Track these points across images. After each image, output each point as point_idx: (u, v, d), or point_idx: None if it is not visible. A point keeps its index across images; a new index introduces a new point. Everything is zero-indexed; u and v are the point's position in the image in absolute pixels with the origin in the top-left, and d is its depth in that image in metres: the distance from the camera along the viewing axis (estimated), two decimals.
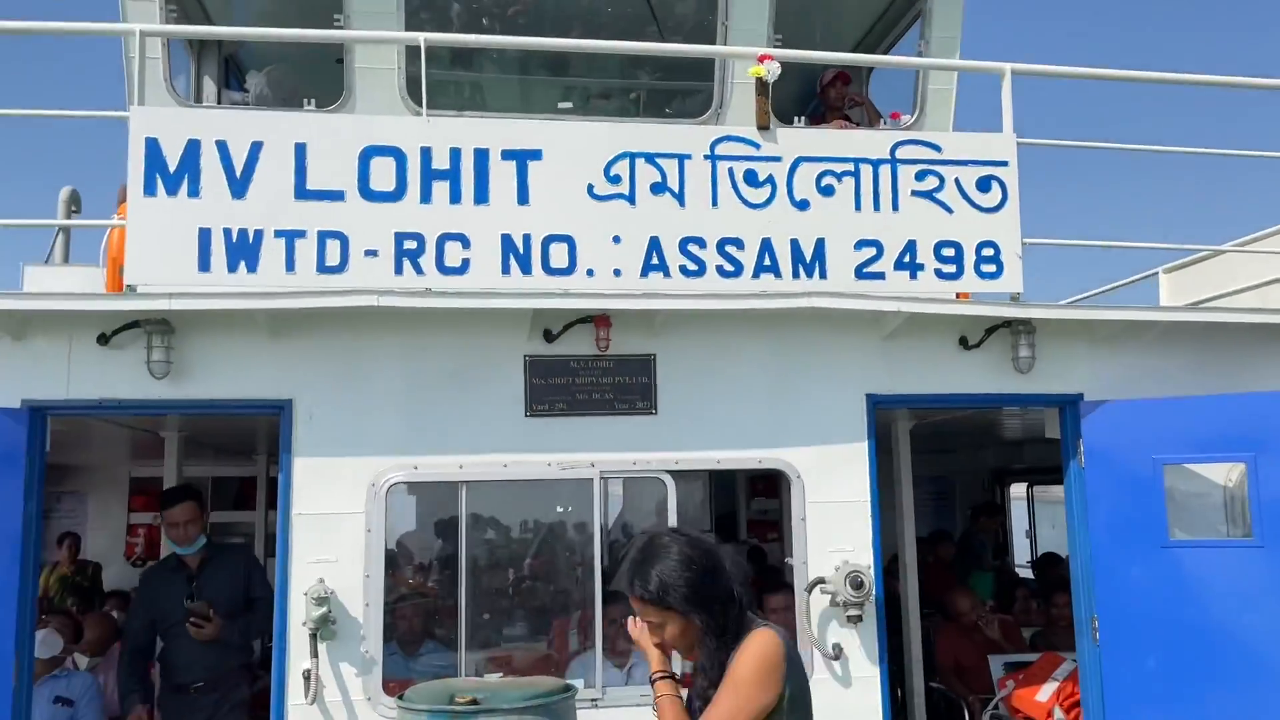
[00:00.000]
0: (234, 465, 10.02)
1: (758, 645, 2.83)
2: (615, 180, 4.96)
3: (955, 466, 12.25)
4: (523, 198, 4.89)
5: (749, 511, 10.50)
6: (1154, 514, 5.12)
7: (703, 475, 9.51)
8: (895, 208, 5.12)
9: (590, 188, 4.95)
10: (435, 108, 6.19)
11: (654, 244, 4.97)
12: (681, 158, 5.02)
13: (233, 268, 4.64)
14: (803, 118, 7.00)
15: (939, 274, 5.13)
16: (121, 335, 4.69)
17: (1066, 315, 5.27)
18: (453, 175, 4.84)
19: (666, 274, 4.96)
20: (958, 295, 5.59)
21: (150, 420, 6.53)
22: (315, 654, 4.62)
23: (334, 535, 4.80)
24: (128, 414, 5.40)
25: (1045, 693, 5.99)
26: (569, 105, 6.73)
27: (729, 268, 5.01)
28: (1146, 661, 5.08)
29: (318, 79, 6.72)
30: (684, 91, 7.10)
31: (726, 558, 2.97)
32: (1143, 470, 5.16)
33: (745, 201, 5.04)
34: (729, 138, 5.09)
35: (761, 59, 5.18)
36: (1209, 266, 8.44)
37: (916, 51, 6.94)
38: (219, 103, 7.53)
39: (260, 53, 7.83)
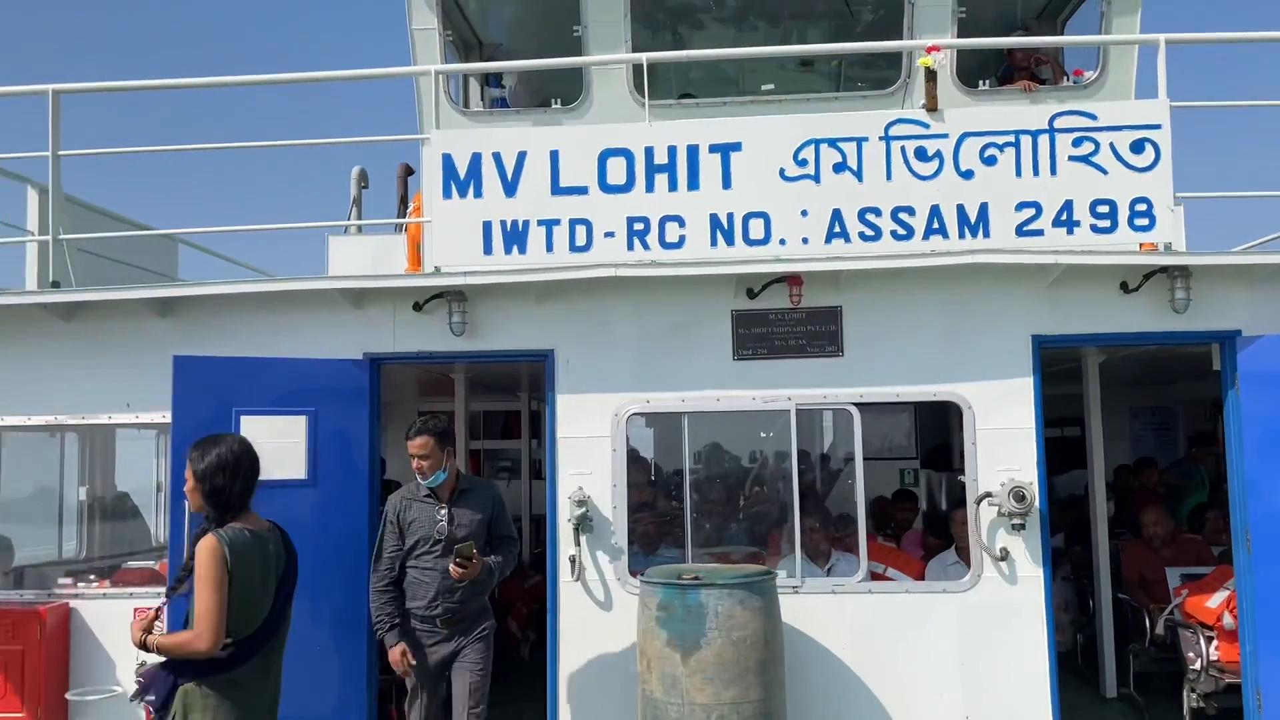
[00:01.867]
0: (501, 401, 11.83)
1: (200, 548, 3.70)
2: (803, 164, 5.98)
3: (1177, 396, 12.35)
4: (726, 183, 6.01)
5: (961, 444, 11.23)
6: None
7: (909, 409, 10.41)
8: (1054, 172, 5.83)
9: (781, 171, 6.00)
10: (661, 90, 7.39)
11: (836, 215, 5.96)
12: (860, 140, 5.96)
13: (508, 250, 6.08)
14: (990, 79, 7.67)
15: (1094, 229, 5.80)
16: (431, 304, 6.26)
17: (1217, 260, 5.81)
18: (670, 169, 6.03)
19: (847, 240, 5.95)
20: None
21: (443, 366, 8.22)
22: (578, 543, 6.08)
23: (588, 454, 6.20)
24: (437, 363, 7.03)
25: (1216, 600, 6.60)
26: (771, 86, 7.70)
27: (902, 232, 5.93)
28: None
29: (561, 75, 8.06)
30: (877, 64, 7.89)
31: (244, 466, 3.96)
32: None
33: (916, 174, 5.92)
34: (901, 120, 5.96)
35: (930, 50, 5.98)
36: None
37: (1099, 13, 7.37)
38: (482, 99, 9.07)
39: (514, 51, 9.33)
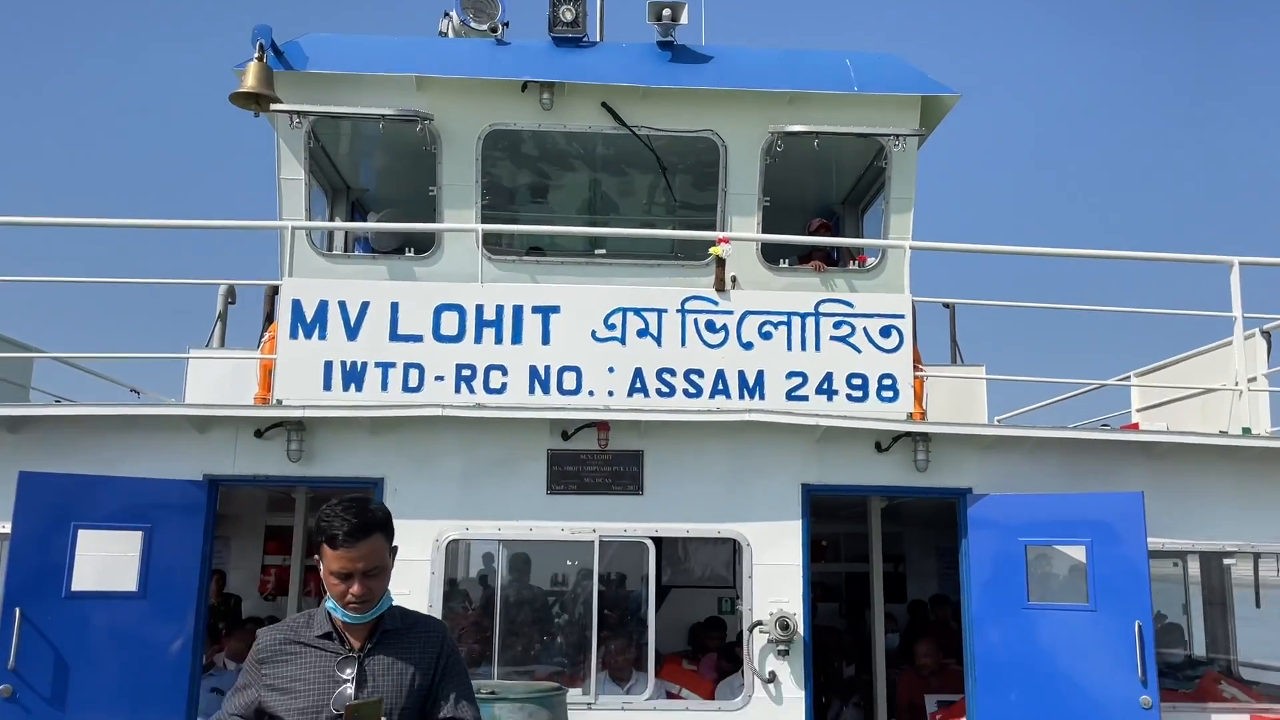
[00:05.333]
0: None
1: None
2: (611, 327, 6.94)
3: None
4: (546, 340, 6.92)
5: None
6: (1017, 582, 6.70)
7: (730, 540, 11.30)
8: (818, 348, 6.95)
9: (593, 332, 6.95)
10: (510, 246, 8.29)
11: (638, 373, 6.92)
12: (660, 311, 6.98)
13: (346, 388, 6.80)
14: (790, 258, 8.88)
15: (849, 398, 6.91)
16: (271, 431, 6.87)
17: (949, 430, 6.95)
18: (497, 324, 6.91)
19: (647, 395, 6.89)
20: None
21: (282, 487, 8.72)
22: None
23: (409, 576, 6.79)
24: (273, 485, 7.58)
25: None
26: (603, 251, 8.73)
27: (693, 390, 6.91)
28: (1009, 696, 6.63)
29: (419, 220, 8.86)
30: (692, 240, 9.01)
31: None
32: (1010, 548, 6.76)
33: (705, 343, 6.95)
34: (694, 297, 7.02)
35: (720, 241, 7.10)
36: (1170, 373, 9.84)
37: (882, 210, 8.71)
38: (345, 243, 9.83)
39: (380, 197, 10.19)
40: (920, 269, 7.76)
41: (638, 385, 6.91)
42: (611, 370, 6.92)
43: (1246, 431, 7.16)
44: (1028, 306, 8.39)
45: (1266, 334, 8.00)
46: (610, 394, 6.90)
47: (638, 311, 6.97)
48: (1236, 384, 7.35)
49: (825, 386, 6.92)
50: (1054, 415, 11.44)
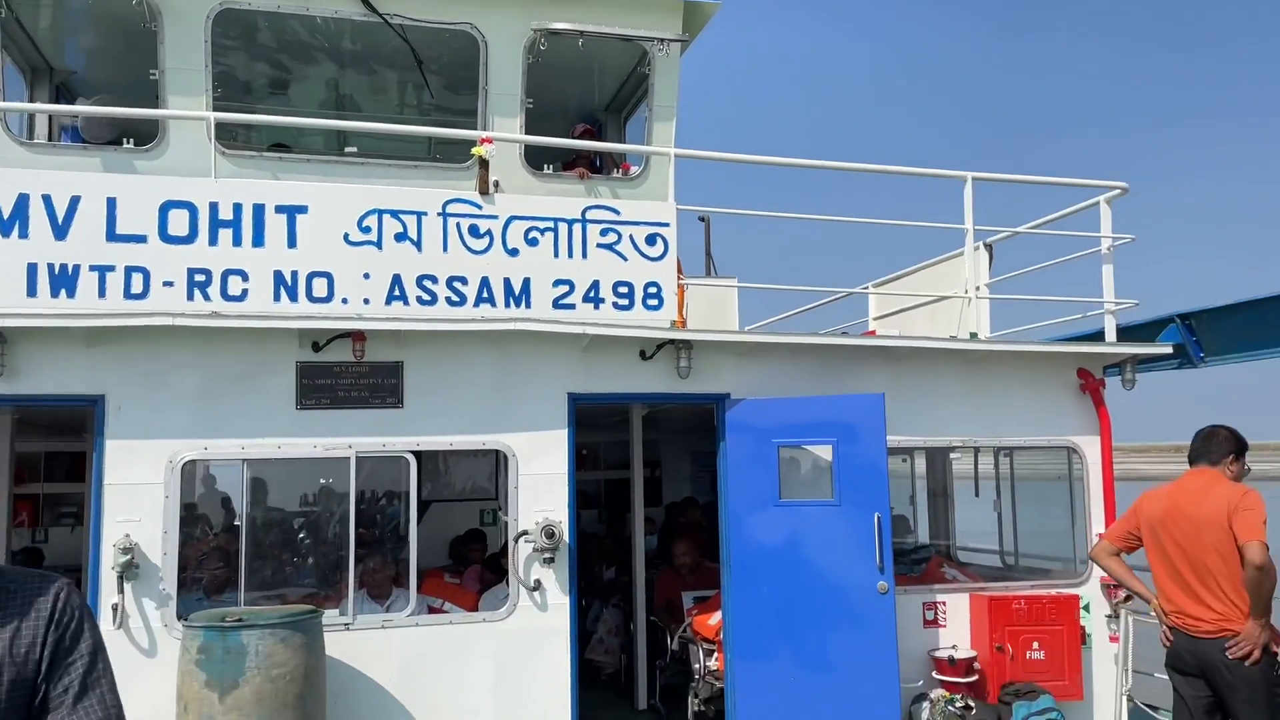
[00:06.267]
0: (68, 442, 11.03)
1: None
2: (366, 230, 6.49)
3: None
4: (291, 243, 6.37)
5: None
6: (770, 481, 7.01)
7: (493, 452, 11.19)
8: (585, 256, 6.83)
9: (346, 235, 6.46)
10: (248, 141, 7.51)
11: (396, 279, 6.53)
12: (420, 214, 6.58)
13: (55, 294, 5.98)
14: (555, 165, 8.64)
15: (616, 306, 6.87)
16: None
17: (708, 337, 7.10)
18: (235, 225, 6.28)
19: (406, 302, 6.53)
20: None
21: None
22: (121, 591, 6.04)
23: (138, 501, 6.19)
24: None
25: (715, 618, 7.86)
26: (354, 150, 8.14)
27: (456, 299, 6.62)
28: (762, 588, 6.98)
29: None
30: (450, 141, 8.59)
31: None
32: (763, 449, 7.04)
33: (469, 249, 6.64)
34: (457, 199, 6.67)
35: (482, 141, 6.77)
36: (903, 283, 10.51)
37: (645, 118, 8.62)
38: (50, 131, 8.62)
39: (90, 81, 8.97)
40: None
41: (396, 293, 6.53)
42: (367, 277, 6.49)
43: (974, 336, 7.77)
44: (779, 217, 8.67)
45: (989, 246, 8.68)
46: (366, 302, 6.48)
47: (395, 214, 6.54)
48: (967, 292, 7.93)
49: (592, 295, 6.83)
50: (798, 325, 12.05)
